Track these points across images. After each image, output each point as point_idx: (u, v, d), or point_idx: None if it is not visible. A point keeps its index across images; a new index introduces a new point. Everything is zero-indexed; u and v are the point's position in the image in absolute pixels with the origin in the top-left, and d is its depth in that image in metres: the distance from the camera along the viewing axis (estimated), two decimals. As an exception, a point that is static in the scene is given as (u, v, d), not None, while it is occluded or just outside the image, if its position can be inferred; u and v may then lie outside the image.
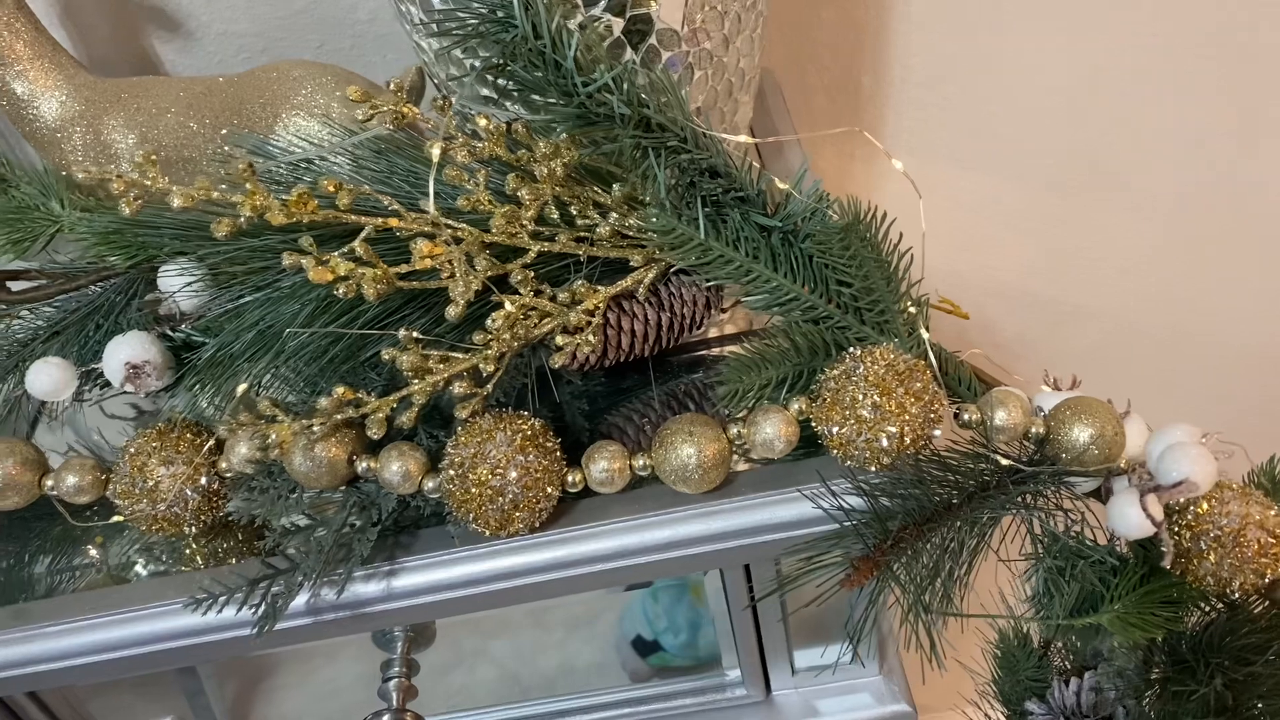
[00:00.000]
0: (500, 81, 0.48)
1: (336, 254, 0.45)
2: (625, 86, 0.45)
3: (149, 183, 0.45)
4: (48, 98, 0.68)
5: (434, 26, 0.49)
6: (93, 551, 0.55)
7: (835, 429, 0.47)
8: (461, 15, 0.44)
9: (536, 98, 0.46)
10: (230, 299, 0.55)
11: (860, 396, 0.46)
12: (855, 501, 0.47)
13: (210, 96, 0.67)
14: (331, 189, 0.46)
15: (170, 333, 0.57)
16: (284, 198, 0.45)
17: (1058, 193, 0.93)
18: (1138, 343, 1.03)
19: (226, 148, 0.64)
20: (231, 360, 0.53)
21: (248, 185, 0.45)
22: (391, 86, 0.47)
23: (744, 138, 0.48)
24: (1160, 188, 0.93)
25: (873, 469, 0.48)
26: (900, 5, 0.83)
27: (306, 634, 0.51)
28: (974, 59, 0.86)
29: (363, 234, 0.46)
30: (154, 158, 0.45)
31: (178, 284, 0.55)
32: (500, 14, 0.44)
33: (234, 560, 0.53)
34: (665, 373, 0.59)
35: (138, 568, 0.54)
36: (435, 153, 0.45)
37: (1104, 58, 0.86)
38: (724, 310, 0.57)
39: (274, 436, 0.46)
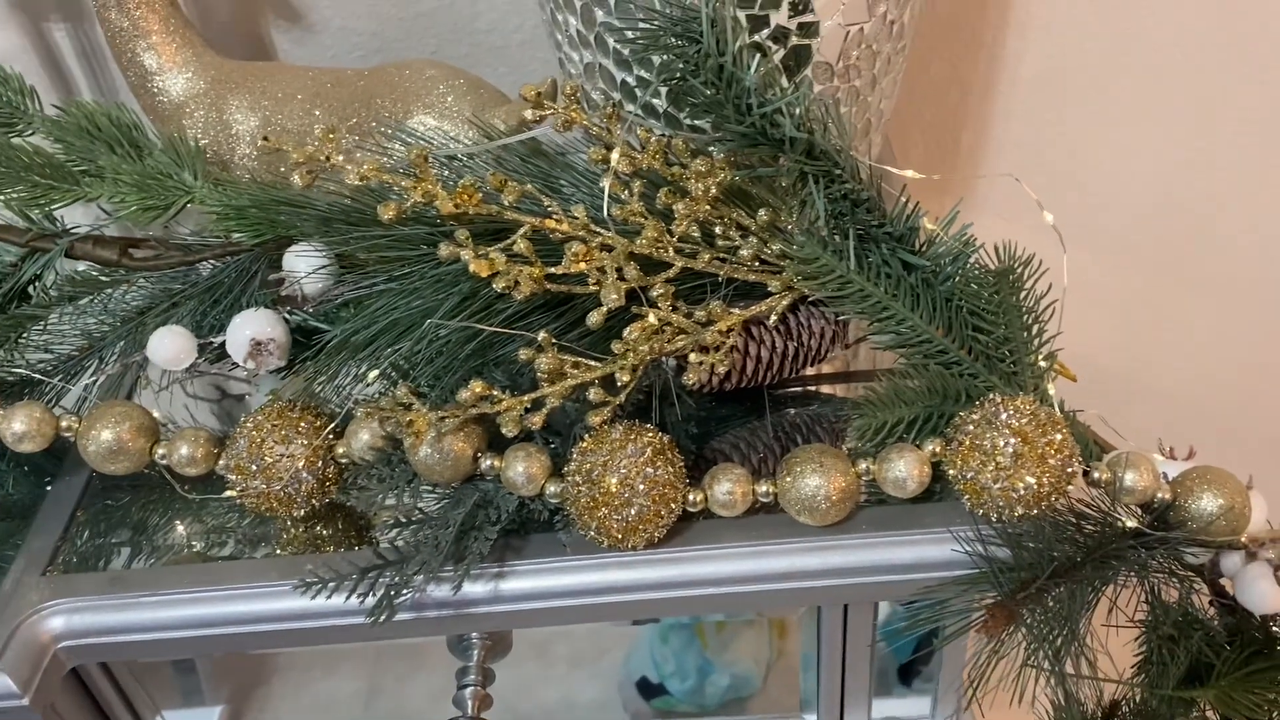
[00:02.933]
0: (659, 93, 0.48)
1: (496, 249, 0.45)
2: (798, 111, 0.45)
3: (325, 159, 0.45)
4: (175, 74, 0.69)
5: (623, 33, 0.50)
6: (190, 524, 0.55)
7: (971, 474, 0.47)
8: (647, 27, 0.45)
9: (707, 113, 0.46)
10: (356, 286, 0.55)
11: (1001, 443, 0.46)
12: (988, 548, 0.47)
13: (339, 88, 0.67)
14: (497, 185, 0.46)
15: (288, 315, 0.56)
16: (451, 188, 0.45)
17: (1142, 270, 0.93)
18: (1207, 423, 1.02)
19: (380, 137, 0.64)
20: (360, 346, 0.53)
21: (418, 172, 0.45)
22: (567, 90, 0.47)
23: (910, 173, 0.48)
24: (1243, 273, 0.94)
25: (996, 516, 0.47)
26: (1009, 68, 0.84)
27: (402, 629, 0.51)
28: (1073, 129, 0.87)
29: (521, 231, 0.46)
30: (332, 134, 0.45)
31: (304, 266, 0.55)
32: (686, 29, 0.44)
33: (332, 548, 0.53)
34: (765, 402, 0.58)
35: (229, 544, 0.54)
36: (615, 158, 0.45)
37: (1198, 145, 0.87)
38: (847, 346, 0.56)
39: (412, 423, 0.46)
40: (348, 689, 0.74)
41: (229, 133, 0.68)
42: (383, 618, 0.46)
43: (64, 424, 0.52)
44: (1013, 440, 0.46)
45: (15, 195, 0.55)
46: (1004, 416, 0.46)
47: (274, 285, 0.57)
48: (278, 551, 0.53)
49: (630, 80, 0.54)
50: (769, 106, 0.44)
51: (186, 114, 0.69)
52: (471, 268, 0.45)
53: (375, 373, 0.50)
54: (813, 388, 0.60)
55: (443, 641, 0.57)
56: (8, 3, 0.79)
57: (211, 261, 0.58)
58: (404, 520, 0.51)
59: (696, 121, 0.54)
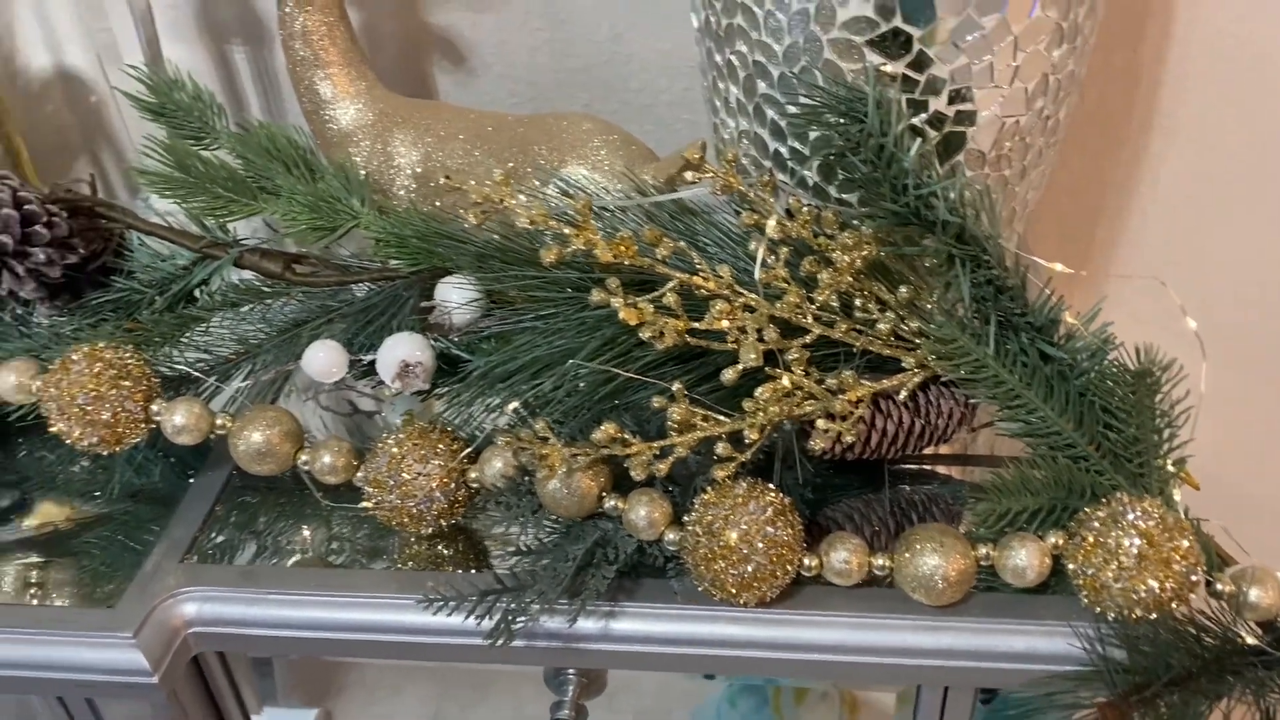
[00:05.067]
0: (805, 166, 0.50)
1: (645, 299, 0.47)
2: (953, 196, 0.46)
3: (497, 199, 0.47)
4: (346, 104, 0.73)
5: (784, 106, 0.52)
6: (317, 530, 0.57)
7: (1092, 571, 0.46)
8: (811, 103, 0.46)
9: (862, 189, 0.47)
10: (501, 321, 0.57)
11: (1125, 543, 0.46)
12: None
13: (499, 132, 0.70)
14: (651, 239, 0.48)
15: (433, 341, 0.59)
16: (610, 239, 0.47)
17: (1275, 383, 0.91)
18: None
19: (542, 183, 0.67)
20: (500, 378, 0.55)
21: (580, 221, 0.47)
22: (729, 156, 0.49)
23: (1059, 266, 0.49)
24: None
25: (1114, 616, 0.47)
26: (1151, 169, 0.84)
27: (511, 655, 0.52)
28: (1209, 235, 0.86)
29: (670, 285, 0.48)
30: (508, 180, 0.48)
31: (456, 297, 0.58)
32: (850, 108, 0.46)
33: (451, 568, 0.54)
34: (884, 476, 0.59)
35: (351, 553, 0.56)
36: (771, 225, 0.47)
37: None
38: (973, 430, 0.57)
39: (547, 457, 0.48)
40: (413, 712, 0.75)
41: (391, 164, 0.72)
42: (500, 641, 0.48)
43: (218, 422, 0.55)
44: (1138, 541, 0.46)
45: (198, 204, 0.59)
46: (1131, 516, 0.46)
47: (423, 312, 0.60)
48: (397, 565, 0.55)
49: (783, 150, 0.56)
50: (926, 189, 0.46)
51: (353, 143, 0.73)
52: (621, 315, 0.47)
53: (515, 404, 0.52)
54: (928, 466, 0.60)
55: (510, 674, 0.58)
56: (196, 23, 0.85)
57: (367, 284, 0.61)
58: (524, 549, 0.53)
59: (844, 195, 0.56)
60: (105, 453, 0.55)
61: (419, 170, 0.71)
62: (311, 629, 0.53)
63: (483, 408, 0.57)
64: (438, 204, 0.71)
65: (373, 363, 0.59)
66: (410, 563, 0.55)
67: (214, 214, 0.59)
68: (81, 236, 0.60)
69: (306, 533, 0.58)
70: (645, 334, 0.47)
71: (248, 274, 0.63)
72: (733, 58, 0.55)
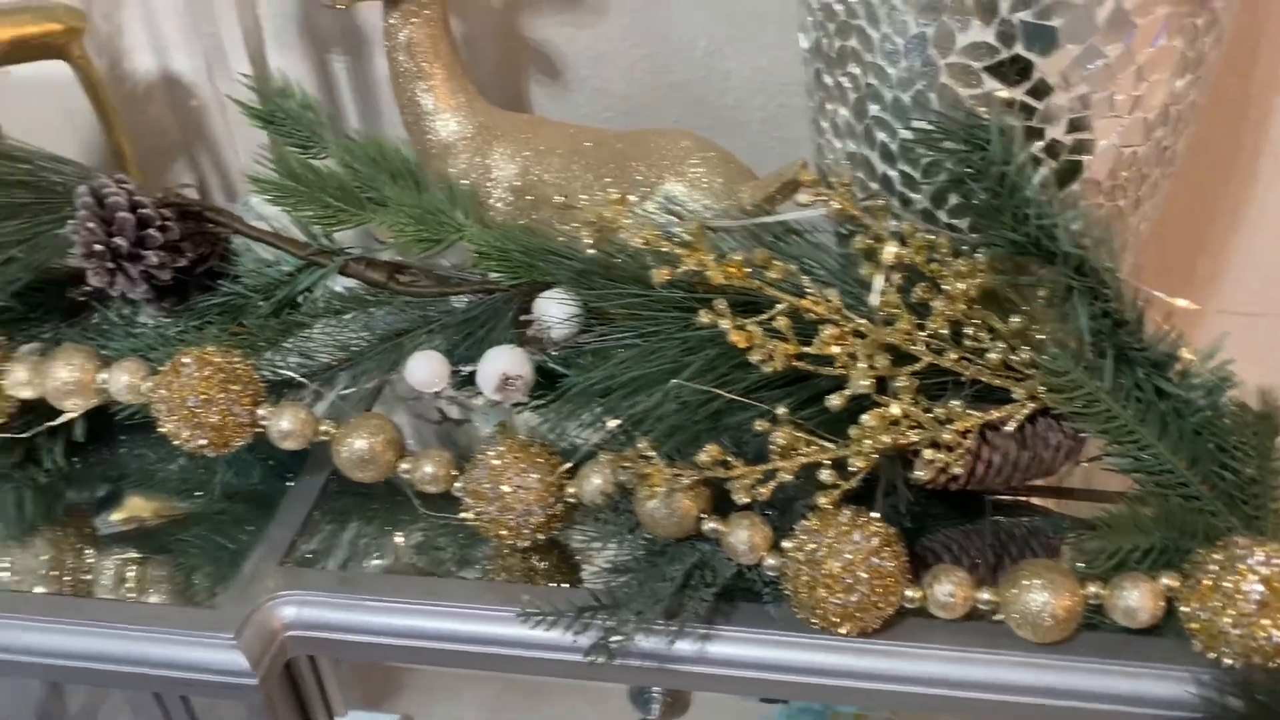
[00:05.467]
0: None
1: (753, 322, 0.47)
2: (1075, 227, 0.45)
3: (610, 217, 0.47)
4: (446, 116, 0.74)
5: (895, 130, 0.51)
6: (410, 537, 0.58)
7: (1207, 615, 0.45)
8: (926, 127, 0.46)
9: (980, 216, 0.47)
10: (601, 337, 0.57)
11: (1245, 588, 0.45)
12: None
13: (598, 148, 0.70)
14: (762, 261, 0.47)
15: (531, 355, 0.59)
16: (722, 260, 0.47)
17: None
18: None
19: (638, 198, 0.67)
20: (598, 395, 0.55)
21: (693, 242, 0.47)
22: (845, 179, 0.49)
23: (1183, 301, 0.48)
24: None
25: (1229, 662, 0.46)
26: (1258, 198, 0.81)
27: (602, 672, 0.52)
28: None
29: (779, 308, 0.48)
30: (630, 198, 0.48)
31: (556, 312, 0.58)
32: (971, 135, 0.45)
33: (543, 581, 0.55)
34: (986, 508, 0.58)
35: (444, 562, 0.57)
36: (889, 251, 0.46)
37: None
38: (1079, 463, 0.56)
39: (649, 476, 0.48)
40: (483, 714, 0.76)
41: (488, 177, 0.72)
42: (600, 659, 0.48)
43: (322, 428, 0.56)
44: (1259, 587, 0.44)
45: (308, 213, 0.60)
46: (1252, 561, 0.45)
47: (522, 325, 0.61)
48: (490, 576, 0.55)
49: (892, 174, 0.55)
50: (1049, 219, 0.45)
51: (452, 155, 0.73)
52: (730, 337, 0.47)
53: (615, 422, 0.52)
54: (1022, 497, 0.59)
55: (566, 686, 0.58)
56: (298, 32, 0.87)
57: (467, 295, 0.62)
58: (618, 566, 0.53)
59: (953, 221, 0.55)
60: (211, 455, 0.56)
61: (516, 184, 0.71)
62: (408, 637, 0.54)
63: (579, 424, 0.57)
64: (533, 217, 0.71)
65: (472, 374, 0.59)
66: (503, 574, 0.55)
67: (322, 223, 0.60)
68: (190, 240, 0.61)
69: (401, 539, 0.58)
70: (754, 357, 0.47)
71: (350, 282, 0.64)
72: (844, 80, 0.55)
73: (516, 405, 0.59)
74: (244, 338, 0.61)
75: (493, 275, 0.61)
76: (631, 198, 0.67)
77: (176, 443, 0.56)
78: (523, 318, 0.60)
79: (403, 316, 0.62)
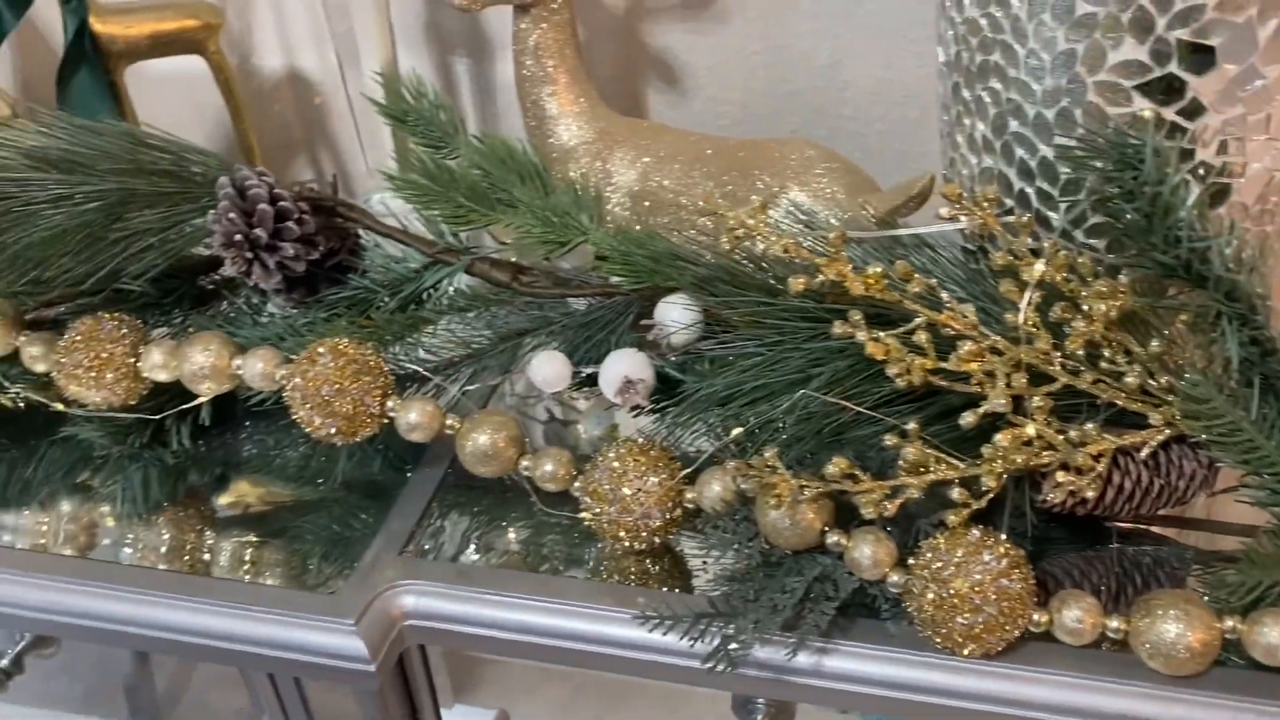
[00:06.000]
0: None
1: (891, 335, 0.47)
2: (1228, 251, 0.44)
3: (752, 225, 0.47)
4: (570, 121, 0.75)
5: (1035, 147, 0.50)
6: (522, 533, 0.58)
7: (1355, 657, 0.44)
8: (1069, 144, 0.45)
9: (1128, 237, 0.46)
10: (724, 344, 0.57)
11: (1397, 632, 0.43)
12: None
13: (719, 156, 0.71)
14: (903, 274, 0.47)
15: (651, 359, 0.60)
16: (862, 272, 0.47)
17: None
18: None
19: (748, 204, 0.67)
20: (718, 402, 0.55)
21: (832, 253, 0.47)
22: (989, 195, 0.48)
23: (1337, 331, 0.46)
24: None
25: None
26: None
27: (715, 680, 0.52)
28: None
29: (917, 323, 0.47)
30: (765, 205, 0.48)
31: (678, 317, 0.58)
32: (1123, 155, 0.45)
33: (655, 585, 0.55)
34: (1111, 534, 0.57)
35: (555, 560, 0.57)
36: (1038, 270, 0.45)
37: None
38: (1212, 494, 0.54)
39: (777, 487, 0.48)
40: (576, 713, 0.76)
41: (608, 181, 0.73)
42: (720, 667, 0.48)
43: (448, 422, 0.57)
44: None
45: (439, 211, 0.61)
46: (1406, 604, 0.43)
47: (642, 329, 0.61)
48: (602, 576, 0.55)
49: (1029, 191, 0.55)
50: (1202, 242, 0.44)
51: (573, 159, 0.74)
52: (868, 349, 0.46)
53: (739, 430, 0.52)
54: (1144, 526, 0.58)
55: (641, 690, 0.58)
56: (424, 33, 0.88)
57: (587, 298, 0.62)
58: (735, 575, 0.53)
59: (1091, 240, 0.54)
60: (339, 443, 0.58)
61: (635, 189, 0.72)
62: (523, 632, 0.54)
63: (698, 430, 0.57)
64: (650, 221, 0.72)
65: (591, 375, 0.60)
66: (615, 575, 0.55)
67: (453, 222, 0.61)
68: (322, 234, 0.63)
69: (515, 535, 0.59)
70: (892, 370, 0.46)
71: (471, 280, 0.65)
72: (984, 94, 0.54)
73: (634, 409, 0.59)
74: (371, 331, 0.62)
75: (613, 279, 0.62)
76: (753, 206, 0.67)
77: (308, 430, 0.57)
78: (643, 322, 0.61)
79: (523, 316, 0.63)
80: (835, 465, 0.48)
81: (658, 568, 0.56)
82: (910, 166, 0.80)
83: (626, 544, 0.54)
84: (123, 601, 0.58)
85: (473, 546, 0.58)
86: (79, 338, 0.60)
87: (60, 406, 0.63)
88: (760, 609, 0.50)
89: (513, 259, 0.64)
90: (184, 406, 0.62)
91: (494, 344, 0.63)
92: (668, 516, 0.53)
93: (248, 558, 0.59)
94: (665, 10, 0.82)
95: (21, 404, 0.68)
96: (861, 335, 0.47)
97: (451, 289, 0.65)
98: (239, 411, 0.67)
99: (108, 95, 0.77)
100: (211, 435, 0.67)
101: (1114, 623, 0.48)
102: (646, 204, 0.72)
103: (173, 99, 0.89)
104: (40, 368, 0.63)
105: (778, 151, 0.69)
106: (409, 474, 0.63)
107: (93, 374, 0.60)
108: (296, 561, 0.59)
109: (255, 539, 0.61)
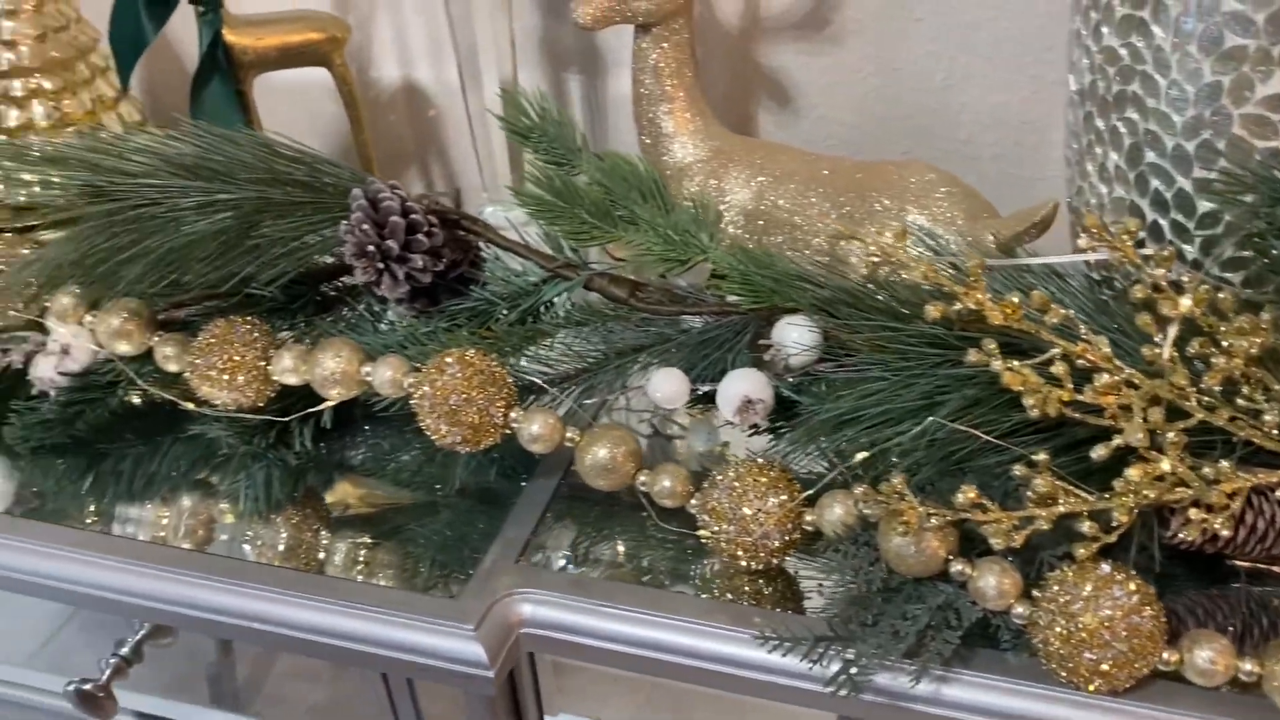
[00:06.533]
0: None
1: (1027, 365, 0.47)
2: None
3: (890, 249, 0.48)
4: (685, 139, 0.76)
5: (1193, 183, 0.50)
6: (632, 547, 0.59)
7: None
8: (1226, 184, 0.45)
9: (1274, 273, 0.45)
10: (844, 367, 0.57)
11: None
12: None
13: (835, 176, 0.71)
14: (1040, 305, 0.47)
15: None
16: (1000, 302, 0.46)
17: None
18: None
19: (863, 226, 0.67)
20: (837, 425, 0.55)
21: (971, 279, 0.47)
22: (1131, 227, 0.48)
23: None
24: None
25: None
26: None
27: (828, 703, 0.52)
28: None
29: (1052, 353, 0.47)
30: (904, 230, 0.48)
31: (797, 338, 0.58)
32: (1272, 189, 0.44)
33: (769, 605, 0.55)
34: (1219, 574, 0.55)
35: (661, 575, 0.57)
36: (1184, 304, 0.45)
37: None
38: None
39: (904, 514, 0.48)
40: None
41: (722, 200, 0.73)
42: (844, 692, 0.48)
43: (568, 434, 0.58)
44: None
45: (564, 227, 0.62)
46: None
47: (759, 349, 0.61)
48: (715, 594, 0.56)
49: (1163, 222, 0.54)
50: (1357, 282, 0.43)
51: (688, 176, 0.75)
52: (1004, 379, 0.46)
53: (864, 455, 0.52)
54: (1266, 567, 0.57)
55: (710, 702, 0.58)
56: (539, 49, 0.90)
57: (704, 316, 0.63)
58: (855, 599, 0.53)
59: (1225, 275, 0.53)
60: (462, 451, 0.59)
61: (750, 208, 0.72)
62: (637, 646, 0.55)
63: (812, 453, 0.58)
64: (763, 242, 0.72)
65: (707, 394, 0.60)
66: (728, 594, 0.56)
67: (576, 238, 0.62)
68: (448, 246, 0.64)
69: (627, 548, 0.59)
70: (1028, 401, 0.46)
71: (591, 296, 0.66)
72: (1119, 124, 0.54)
73: (751, 429, 0.59)
74: (491, 342, 0.63)
75: (730, 298, 0.62)
76: (872, 228, 0.67)
77: (433, 437, 0.58)
78: (760, 342, 0.61)
79: (639, 333, 0.64)
80: (964, 494, 0.48)
81: (769, 588, 0.56)
82: (1022, 191, 0.80)
83: (743, 564, 0.55)
84: (248, 597, 0.59)
85: (586, 557, 0.59)
86: (213, 340, 0.62)
87: (191, 406, 0.65)
88: (881, 635, 0.50)
89: (629, 276, 0.65)
90: (310, 410, 0.63)
91: (609, 359, 0.64)
92: (787, 538, 0.54)
93: (364, 559, 0.61)
94: (780, 31, 0.83)
95: (152, 401, 0.71)
96: (997, 365, 0.47)
97: (569, 303, 0.66)
98: (357, 415, 0.69)
99: (237, 105, 0.80)
100: (331, 438, 0.68)
101: (1247, 665, 0.47)
102: (760, 223, 0.72)
103: (290, 108, 0.92)
104: (172, 367, 0.66)
105: (897, 174, 0.69)
106: (523, 483, 0.64)
107: (225, 375, 0.62)
108: (412, 565, 0.60)
109: (372, 541, 0.62)
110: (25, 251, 0.67)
